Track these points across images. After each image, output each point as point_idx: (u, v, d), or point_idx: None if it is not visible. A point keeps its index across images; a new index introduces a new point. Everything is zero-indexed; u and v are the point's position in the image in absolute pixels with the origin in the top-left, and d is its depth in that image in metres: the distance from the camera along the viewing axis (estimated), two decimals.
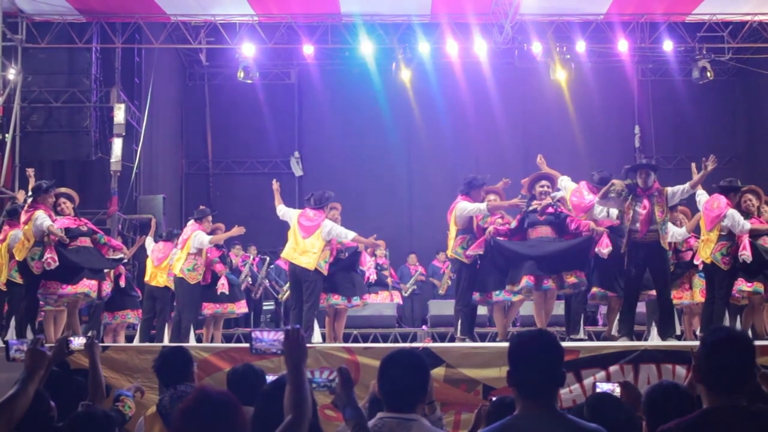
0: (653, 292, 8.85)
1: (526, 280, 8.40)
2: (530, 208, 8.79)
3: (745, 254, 8.47)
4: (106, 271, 9.85)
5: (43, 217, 8.99)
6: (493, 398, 4.36)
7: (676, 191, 8.63)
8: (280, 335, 3.09)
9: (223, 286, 10.61)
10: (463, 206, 8.92)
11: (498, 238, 8.68)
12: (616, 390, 4.20)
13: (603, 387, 4.35)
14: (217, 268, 10.64)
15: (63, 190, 9.67)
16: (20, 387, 3.26)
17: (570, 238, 8.65)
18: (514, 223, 8.82)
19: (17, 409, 3.22)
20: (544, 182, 8.93)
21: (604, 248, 8.55)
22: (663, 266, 8.63)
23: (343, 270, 9.76)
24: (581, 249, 8.60)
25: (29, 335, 8.75)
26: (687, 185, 8.63)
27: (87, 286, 9.23)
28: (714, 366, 2.79)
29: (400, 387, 3.29)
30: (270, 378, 4.13)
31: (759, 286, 8.75)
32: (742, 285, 8.72)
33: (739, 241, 8.58)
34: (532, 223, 8.71)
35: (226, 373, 4.89)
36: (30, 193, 9.44)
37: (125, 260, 10.66)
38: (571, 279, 8.52)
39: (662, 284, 8.63)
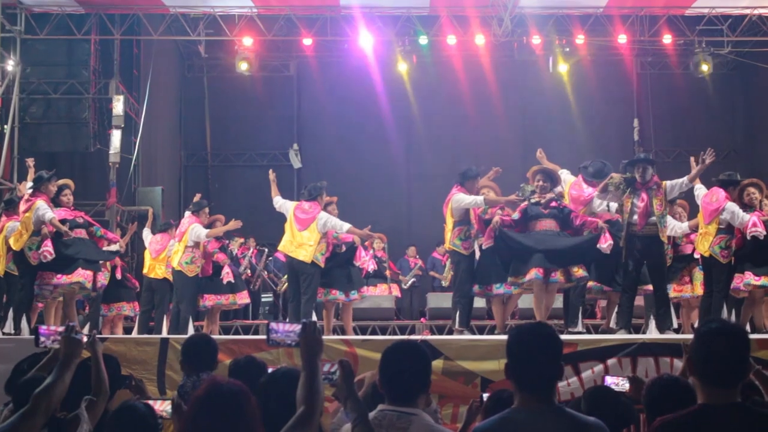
0: (650, 287, 8.87)
1: (535, 273, 8.40)
2: (533, 201, 8.79)
3: (757, 230, 8.37)
4: (101, 262, 9.87)
5: (45, 208, 8.98)
6: (485, 393, 4.34)
7: (674, 185, 8.64)
8: (296, 327, 3.11)
9: (228, 275, 10.64)
10: (460, 198, 8.89)
11: (504, 228, 8.67)
12: (625, 384, 4.21)
13: (609, 381, 4.35)
14: (219, 257, 10.66)
15: (64, 181, 9.69)
16: (57, 375, 3.28)
17: (572, 233, 8.67)
18: (516, 215, 8.81)
19: (55, 397, 3.24)
20: (539, 177, 8.97)
21: (604, 243, 8.55)
22: (660, 259, 8.67)
23: (340, 264, 9.78)
24: (591, 246, 8.59)
25: (24, 326, 8.76)
26: (685, 179, 8.64)
27: (82, 275, 9.26)
28: (707, 357, 2.77)
29: (401, 379, 3.27)
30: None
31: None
32: (750, 279, 8.58)
33: (738, 233, 8.56)
34: (535, 215, 8.73)
35: (228, 364, 4.89)
36: (31, 184, 9.42)
37: (121, 251, 10.71)
38: (579, 272, 8.56)
39: (659, 277, 8.66)
